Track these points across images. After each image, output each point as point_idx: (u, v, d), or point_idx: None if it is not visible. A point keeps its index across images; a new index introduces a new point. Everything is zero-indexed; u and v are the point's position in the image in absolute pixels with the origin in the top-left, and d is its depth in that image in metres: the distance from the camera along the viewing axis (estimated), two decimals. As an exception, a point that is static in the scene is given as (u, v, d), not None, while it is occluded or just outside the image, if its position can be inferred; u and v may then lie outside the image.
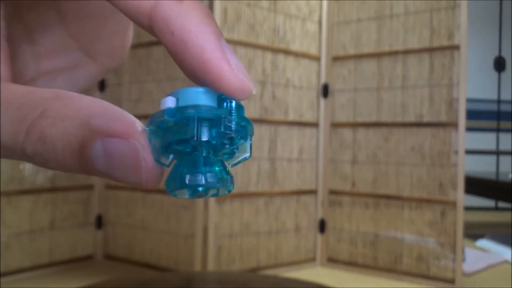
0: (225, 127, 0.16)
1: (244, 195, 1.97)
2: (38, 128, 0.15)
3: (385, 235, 2.06)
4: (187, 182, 0.16)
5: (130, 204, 2.08)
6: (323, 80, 2.20)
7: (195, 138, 0.16)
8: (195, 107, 0.16)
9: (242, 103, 0.17)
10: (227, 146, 0.17)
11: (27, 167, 1.93)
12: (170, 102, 0.16)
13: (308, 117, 2.17)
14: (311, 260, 2.18)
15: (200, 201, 1.84)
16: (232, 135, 0.17)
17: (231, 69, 0.16)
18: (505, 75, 4.36)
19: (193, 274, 1.53)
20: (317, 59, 2.19)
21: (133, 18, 0.17)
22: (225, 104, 0.17)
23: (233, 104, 0.17)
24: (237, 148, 0.18)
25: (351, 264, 2.13)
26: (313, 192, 2.18)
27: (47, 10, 0.22)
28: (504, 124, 4.39)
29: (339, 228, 2.17)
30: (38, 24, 0.22)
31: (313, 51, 2.18)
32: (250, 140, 0.18)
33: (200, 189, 0.17)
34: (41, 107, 0.16)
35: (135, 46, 2.01)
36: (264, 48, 2.01)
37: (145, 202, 2.03)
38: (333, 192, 2.18)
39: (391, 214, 2.05)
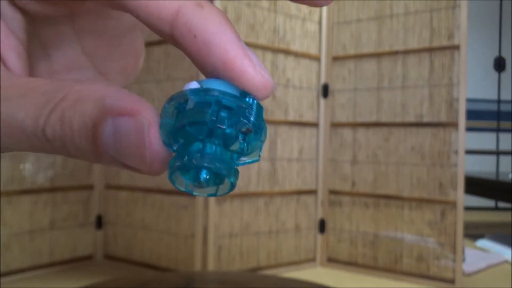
0: (244, 117, 0.16)
1: (244, 195, 1.97)
2: (59, 110, 0.16)
3: (385, 235, 2.06)
4: (193, 161, 0.16)
5: (130, 204, 2.08)
6: (323, 80, 2.20)
7: (213, 120, 0.16)
8: (220, 91, 0.16)
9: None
10: (240, 141, 0.17)
11: (27, 167, 1.93)
12: (193, 86, 0.17)
13: (308, 117, 2.17)
14: (311, 260, 2.18)
15: (200, 201, 1.84)
16: (249, 127, 0.17)
17: (254, 66, 0.17)
18: (505, 75, 4.36)
19: (193, 274, 1.53)
20: (317, 59, 2.19)
21: (154, 26, 0.17)
22: (247, 99, 0.17)
23: (255, 102, 0.17)
24: (248, 148, 0.17)
25: (351, 264, 2.13)
26: (313, 192, 2.18)
27: (63, 26, 0.22)
28: (504, 124, 4.39)
29: (339, 228, 2.17)
30: (54, 40, 0.22)
31: (313, 51, 2.18)
32: (262, 144, 0.18)
33: (203, 176, 0.16)
34: (64, 92, 0.16)
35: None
36: (264, 48, 2.01)
37: (145, 202, 2.03)
38: (333, 192, 2.18)
39: (391, 214, 2.05)
